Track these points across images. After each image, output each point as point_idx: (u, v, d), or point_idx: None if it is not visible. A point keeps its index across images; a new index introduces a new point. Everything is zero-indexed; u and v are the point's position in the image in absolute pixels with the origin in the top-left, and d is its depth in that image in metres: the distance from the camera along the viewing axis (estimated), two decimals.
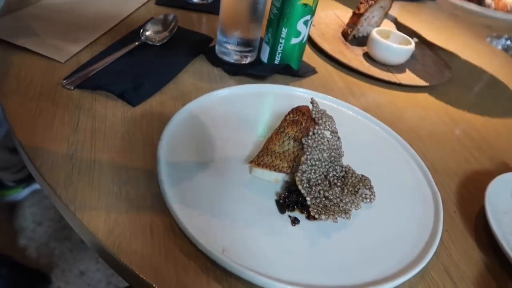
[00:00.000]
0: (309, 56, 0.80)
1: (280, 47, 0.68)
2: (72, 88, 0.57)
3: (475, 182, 0.58)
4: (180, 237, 0.40)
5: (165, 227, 0.41)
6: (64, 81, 0.57)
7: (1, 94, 0.54)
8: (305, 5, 0.63)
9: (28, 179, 1.43)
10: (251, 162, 0.47)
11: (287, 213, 0.45)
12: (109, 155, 0.48)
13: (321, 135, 0.49)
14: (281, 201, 0.46)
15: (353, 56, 0.82)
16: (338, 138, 0.51)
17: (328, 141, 0.49)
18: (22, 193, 1.44)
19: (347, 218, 0.44)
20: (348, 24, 0.87)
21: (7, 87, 0.55)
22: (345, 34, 0.87)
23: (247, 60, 0.71)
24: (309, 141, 0.48)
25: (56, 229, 1.44)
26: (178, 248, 0.40)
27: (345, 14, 0.95)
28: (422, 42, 0.97)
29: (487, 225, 0.49)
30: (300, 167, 0.46)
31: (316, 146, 0.48)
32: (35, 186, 1.47)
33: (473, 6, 1.02)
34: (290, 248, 0.42)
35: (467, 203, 0.55)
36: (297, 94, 0.65)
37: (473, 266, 0.46)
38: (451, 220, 0.52)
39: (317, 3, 0.64)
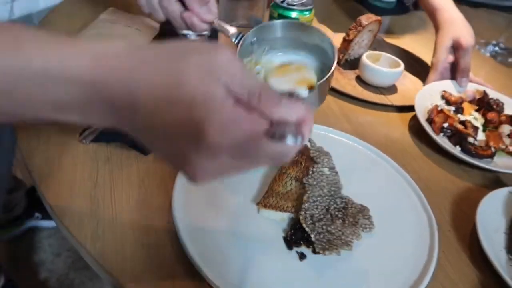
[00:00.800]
0: None
1: None
2: (87, 142, 0.62)
3: (468, 200, 0.62)
4: (200, 281, 0.45)
5: (186, 273, 0.46)
6: (80, 137, 0.62)
7: (25, 153, 0.59)
8: None
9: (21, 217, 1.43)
10: (258, 204, 0.52)
11: (295, 249, 0.50)
12: (128, 205, 0.53)
13: (320, 173, 0.53)
14: (288, 238, 0.50)
15: (346, 81, 0.86)
16: (336, 173, 0.56)
17: (327, 177, 0.54)
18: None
19: (349, 249, 0.49)
20: (339, 50, 0.91)
21: (28, 145, 0.60)
22: (337, 60, 0.92)
23: None
24: (310, 180, 0.53)
25: (74, 259, 1.49)
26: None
27: (337, 38, 1.00)
28: (412, 59, 1.01)
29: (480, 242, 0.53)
30: (303, 206, 0.50)
31: (316, 184, 0.53)
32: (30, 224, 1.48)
33: None
34: (300, 283, 0.46)
35: (461, 221, 0.59)
36: None
37: (469, 284, 0.51)
38: (446, 239, 0.56)
39: None
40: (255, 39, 0.65)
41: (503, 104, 0.80)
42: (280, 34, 0.66)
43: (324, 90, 0.62)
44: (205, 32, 0.68)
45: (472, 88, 0.83)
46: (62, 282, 1.40)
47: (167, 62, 0.30)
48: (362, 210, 0.54)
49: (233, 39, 0.66)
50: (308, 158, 0.56)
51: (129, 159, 0.60)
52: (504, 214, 0.59)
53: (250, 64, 0.65)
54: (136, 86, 0.29)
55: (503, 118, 0.77)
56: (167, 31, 0.84)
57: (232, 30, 0.69)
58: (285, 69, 0.44)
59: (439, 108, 0.77)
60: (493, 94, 0.82)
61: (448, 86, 0.84)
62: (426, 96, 0.80)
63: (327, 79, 0.58)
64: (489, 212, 0.58)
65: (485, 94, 0.81)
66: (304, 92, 0.38)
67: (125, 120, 0.31)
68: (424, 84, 0.87)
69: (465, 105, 0.79)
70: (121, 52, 0.31)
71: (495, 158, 0.70)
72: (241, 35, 0.66)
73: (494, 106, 0.79)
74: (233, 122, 0.29)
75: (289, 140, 0.28)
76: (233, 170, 0.32)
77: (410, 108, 0.79)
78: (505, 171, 0.68)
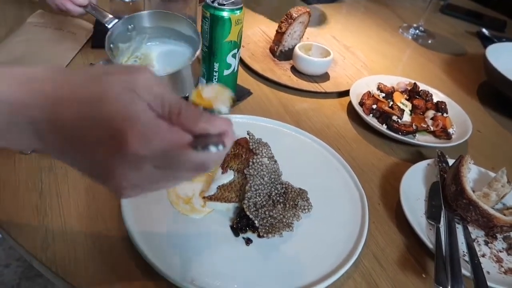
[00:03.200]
0: (244, 78, 0.89)
1: (215, 79, 0.75)
2: (28, 152, 0.61)
3: (395, 174, 0.70)
4: (152, 276, 0.48)
5: (140, 271, 0.48)
6: None
7: None
8: (231, 41, 0.70)
9: None
10: (204, 197, 0.55)
11: (241, 235, 0.54)
12: (76, 211, 0.54)
13: (260, 163, 0.58)
14: (234, 226, 0.54)
15: (282, 72, 0.91)
16: (275, 161, 0.60)
17: (266, 166, 0.58)
18: None
19: (290, 230, 0.53)
20: (273, 42, 0.96)
21: None
22: (272, 51, 0.96)
23: None
24: (251, 170, 0.57)
25: (25, 268, 1.44)
26: (153, 285, 0.47)
27: (271, 29, 1.04)
28: (343, 46, 1.08)
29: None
30: (246, 195, 0.54)
31: (257, 173, 0.57)
32: None
33: None
34: (248, 265, 0.50)
35: (388, 194, 0.66)
36: (236, 121, 0.73)
37: (396, 248, 0.57)
38: (376, 212, 0.63)
39: (241, 37, 0.72)
40: (132, 25, 0.67)
41: (431, 95, 0.88)
42: (156, 23, 0.69)
43: (188, 75, 0.65)
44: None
45: (404, 81, 0.91)
46: None
47: (90, 81, 0.32)
48: (301, 193, 0.58)
49: (107, 25, 0.69)
50: (248, 150, 0.60)
51: None
52: (424, 184, 0.67)
53: (129, 50, 0.68)
54: (60, 104, 0.31)
55: (429, 105, 0.85)
56: (101, 32, 0.83)
57: (107, 15, 0.71)
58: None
59: (371, 94, 0.84)
60: (423, 86, 0.90)
61: (384, 79, 0.91)
62: (363, 85, 0.87)
63: (190, 64, 0.63)
64: (411, 183, 0.65)
65: (415, 85, 0.89)
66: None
67: (49, 142, 0.32)
68: None
69: (396, 94, 0.86)
70: (44, 76, 0.32)
71: (418, 136, 0.79)
72: (115, 21, 0.68)
73: (423, 96, 0.87)
74: (154, 133, 0.31)
75: (212, 149, 0.30)
76: (160, 182, 0.34)
77: (347, 94, 0.85)
78: (424, 144, 0.76)
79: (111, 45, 0.64)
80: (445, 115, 0.83)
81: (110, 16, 0.70)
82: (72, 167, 0.35)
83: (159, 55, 0.70)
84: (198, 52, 0.65)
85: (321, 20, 1.26)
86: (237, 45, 0.72)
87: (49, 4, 0.76)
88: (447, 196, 0.63)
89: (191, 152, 0.31)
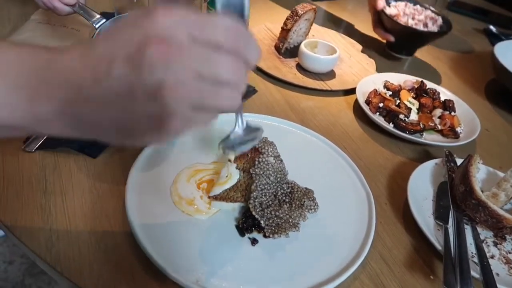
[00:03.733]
0: (248, 75, 0.87)
1: None
2: (32, 150, 0.61)
3: (402, 173, 0.69)
4: (156, 275, 0.47)
5: (145, 270, 0.48)
6: (24, 145, 0.61)
7: None
8: None
9: None
10: (209, 197, 0.54)
11: (247, 235, 0.53)
12: (81, 210, 0.54)
13: (266, 162, 0.57)
14: (240, 226, 0.53)
15: (287, 70, 0.90)
16: (281, 160, 0.59)
17: (272, 166, 0.57)
18: None
19: (296, 231, 0.53)
20: (279, 39, 0.95)
21: None
22: (277, 48, 0.95)
23: None
24: (256, 170, 0.56)
25: (29, 265, 1.45)
26: (158, 285, 0.47)
27: (276, 26, 1.03)
28: (349, 43, 1.07)
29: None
30: (252, 195, 0.54)
31: (263, 173, 0.56)
32: None
33: None
34: (253, 266, 0.50)
35: (395, 194, 0.65)
36: None
37: (404, 249, 0.57)
38: (383, 212, 0.62)
39: None
40: None
41: (439, 93, 0.87)
42: None
43: None
44: None
45: (411, 79, 0.90)
46: None
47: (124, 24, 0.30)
48: (307, 193, 0.58)
49: (95, 24, 0.68)
50: (253, 149, 0.59)
51: (77, 163, 0.60)
52: (432, 184, 0.66)
53: None
54: (92, 45, 0.30)
55: (436, 103, 0.84)
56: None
57: (94, 15, 0.70)
58: None
59: (377, 92, 0.83)
60: (430, 84, 0.89)
61: (391, 77, 0.90)
62: (370, 83, 0.86)
63: None
64: (419, 183, 0.64)
65: (422, 83, 0.87)
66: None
67: (74, 100, 0.31)
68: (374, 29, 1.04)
69: (403, 92, 0.85)
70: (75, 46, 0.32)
71: (425, 135, 0.78)
72: (103, 21, 0.68)
73: (431, 94, 0.86)
74: (182, 14, 0.29)
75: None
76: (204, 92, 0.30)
77: (353, 92, 0.84)
78: (432, 143, 0.75)
79: None
80: (452, 113, 0.82)
81: (98, 16, 0.70)
82: (98, 134, 0.33)
83: None
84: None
85: (327, 17, 1.24)
86: None
87: (36, 2, 0.76)
88: (455, 196, 0.62)
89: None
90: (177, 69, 0.28)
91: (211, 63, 0.29)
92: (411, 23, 0.99)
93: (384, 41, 1.06)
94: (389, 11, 1.01)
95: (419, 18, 1.01)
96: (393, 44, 1.04)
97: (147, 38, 0.28)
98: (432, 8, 1.05)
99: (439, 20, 1.02)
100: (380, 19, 1.02)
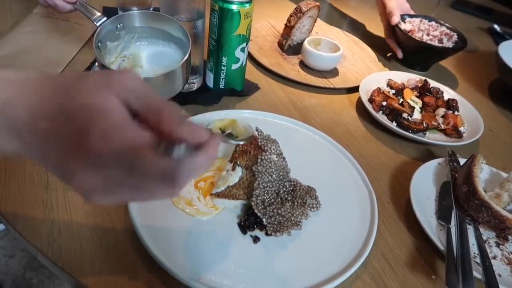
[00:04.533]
0: (251, 72, 0.87)
1: (223, 73, 0.74)
2: None
3: (404, 172, 0.69)
4: (158, 272, 0.47)
5: (145, 266, 0.48)
6: None
7: None
8: (239, 35, 0.69)
9: None
10: (212, 194, 0.54)
11: (249, 233, 0.53)
12: (83, 206, 0.54)
13: (268, 160, 0.57)
14: (242, 223, 0.53)
15: (290, 67, 0.90)
16: (284, 158, 0.59)
17: (275, 163, 0.57)
18: None
19: (299, 229, 0.53)
20: (282, 36, 0.94)
21: None
22: (280, 45, 0.95)
23: (195, 86, 0.77)
24: (259, 167, 0.56)
25: (30, 259, 1.45)
26: (160, 283, 0.47)
27: (279, 22, 1.02)
28: (352, 41, 1.06)
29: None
30: (254, 192, 0.54)
31: (265, 171, 0.56)
32: None
33: None
34: (255, 264, 0.50)
35: (398, 193, 0.65)
36: (244, 117, 0.72)
37: (406, 249, 0.57)
38: (385, 211, 0.62)
39: (250, 31, 0.71)
40: (121, 25, 0.67)
41: (442, 92, 0.86)
42: (145, 23, 0.68)
43: (178, 78, 0.64)
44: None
45: (415, 77, 0.89)
46: (18, 284, 1.36)
47: (71, 80, 0.32)
48: (310, 191, 0.58)
49: (96, 22, 0.68)
50: (256, 147, 0.59)
51: None
52: (434, 183, 0.65)
53: (117, 49, 0.68)
54: (40, 101, 0.31)
55: (440, 102, 0.83)
56: None
57: (95, 13, 0.70)
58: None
59: (380, 90, 0.82)
60: (433, 83, 0.89)
61: (394, 75, 0.89)
62: (373, 82, 0.86)
63: (180, 66, 0.62)
64: (421, 183, 0.64)
65: (425, 82, 0.87)
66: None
67: (26, 142, 0.32)
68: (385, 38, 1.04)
69: (406, 90, 0.84)
70: (28, 78, 0.32)
71: (428, 134, 0.77)
72: (104, 19, 0.68)
73: (434, 93, 0.85)
74: (118, 129, 0.29)
75: (175, 153, 0.28)
76: (129, 190, 0.32)
77: (356, 90, 0.84)
78: (435, 142, 0.75)
79: (99, 43, 0.63)
80: (456, 113, 0.82)
81: (99, 13, 0.70)
82: (41, 165, 0.34)
83: (148, 55, 0.69)
84: (187, 55, 0.63)
85: (330, 14, 1.24)
86: (246, 39, 0.71)
87: None
88: (458, 196, 0.62)
89: (151, 155, 0.29)
90: None
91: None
92: (426, 38, 0.98)
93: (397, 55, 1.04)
94: (404, 26, 1.00)
95: (434, 34, 0.99)
96: (407, 59, 1.02)
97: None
98: (448, 24, 1.03)
99: (454, 36, 1.00)
100: (394, 31, 1.02)
